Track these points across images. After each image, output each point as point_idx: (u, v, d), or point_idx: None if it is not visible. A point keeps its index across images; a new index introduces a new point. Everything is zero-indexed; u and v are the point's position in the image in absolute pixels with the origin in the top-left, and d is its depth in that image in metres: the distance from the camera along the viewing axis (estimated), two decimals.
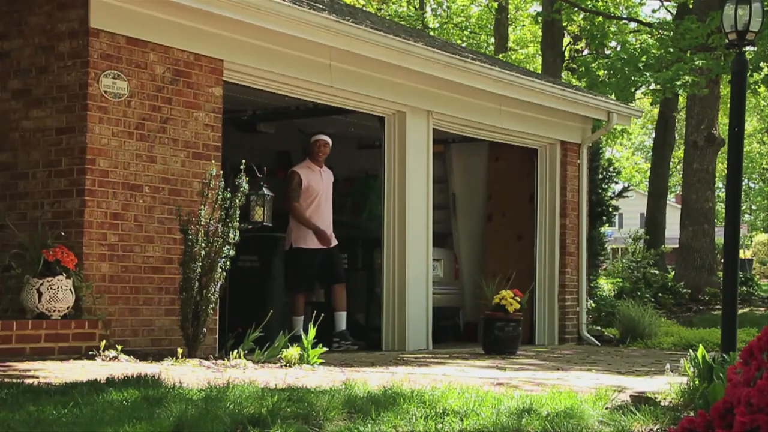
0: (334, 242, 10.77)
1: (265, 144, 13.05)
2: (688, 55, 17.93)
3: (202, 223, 7.94)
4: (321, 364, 7.70)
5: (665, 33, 19.98)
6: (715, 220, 22.54)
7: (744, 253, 40.70)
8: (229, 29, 8.90)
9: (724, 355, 6.33)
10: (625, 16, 27.28)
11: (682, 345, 12.40)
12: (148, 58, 8.36)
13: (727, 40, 7.75)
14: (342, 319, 10.55)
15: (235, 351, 7.66)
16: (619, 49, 22.04)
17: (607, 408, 5.10)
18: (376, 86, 10.64)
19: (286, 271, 10.65)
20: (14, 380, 5.53)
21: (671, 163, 33.31)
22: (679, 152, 32.51)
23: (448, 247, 13.55)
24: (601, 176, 15.71)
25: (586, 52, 28.33)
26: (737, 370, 3.47)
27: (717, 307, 18.64)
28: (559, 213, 13.39)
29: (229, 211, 8.07)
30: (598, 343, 13.26)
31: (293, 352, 7.64)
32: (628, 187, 24.50)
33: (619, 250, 31.48)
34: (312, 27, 9.26)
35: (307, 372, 7.10)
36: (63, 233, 7.83)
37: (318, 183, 10.69)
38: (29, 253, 7.60)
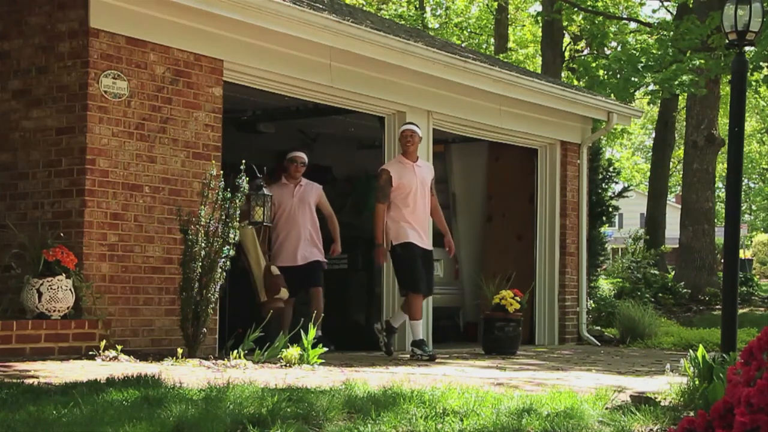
0: (430, 246, 9.86)
1: (265, 144, 13.05)
2: (687, 55, 17.92)
3: (202, 223, 7.95)
4: (321, 364, 7.70)
5: (665, 33, 19.97)
6: (715, 220, 22.54)
7: (744, 253, 40.68)
8: (229, 29, 8.90)
9: (724, 355, 6.33)
10: (625, 16, 27.29)
11: (682, 345, 12.40)
12: (148, 58, 8.36)
13: (727, 40, 7.75)
14: (417, 328, 9.61)
15: (235, 351, 7.67)
16: (619, 49, 22.04)
17: (607, 408, 5.10)
18: (376, 86, 10.63)
19: (396, 273, 9.97)
20: (14, 380, 5.53)
21: (671, 163, 33.29)
22: (679, 152, 32.49)
23: None
24: (601, 176, 15.71)
25: (586, 52, 28.32)
26: (737, 370, 3.47)
27: (717, 307, 18.64)
28: (559, 213, 13.39)
29: (229, 211, 8.08)
30: (598, 343, 13.27)
31: (293, 352, 7.65)
32: (628, 187, 24.51)
33: (619, 250, 31.46)
34: (312, 27, 9.26)
35: (307, 372, 7.10)
36: (63, 233, 7.83)
37: (410, 179, 9.65)
38: (29, 253, 7.60)
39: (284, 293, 9.74)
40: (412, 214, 9.60)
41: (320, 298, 10.11)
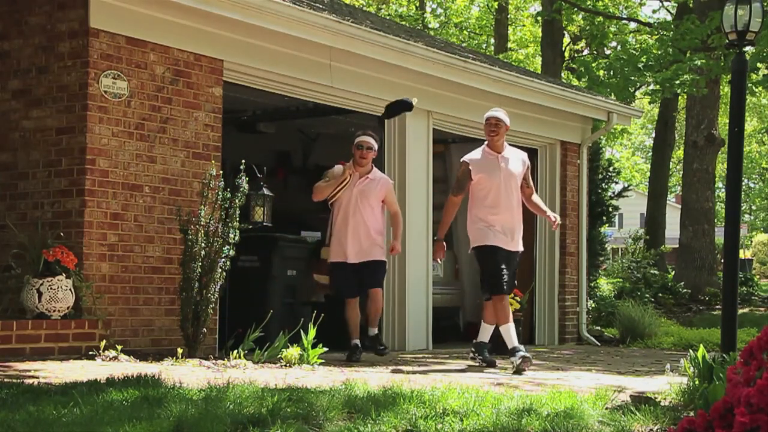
0: (518, 247, 8.60)
1: (265, 144, 13.04)
2: (687, 55, 17.93)
3: (202, 223, 7.96)
4: (321, 364, 7.70)
5: (665, 33, 19.98)
6: (715, 220, 22.54)
7: (744, 253, 40.71)
8: (229, 29, 8.90)
9: (724, 355, 6.33)
10: (625, 16, 27.29)
11: (682, 345, 12.40)
12: (148, 58, 8.36)
13: (727, 40, 7.76)
14: (485, 332, 8.70)
15: (235, 351, 7.67)
16: (618, 49, 22.04)
17: (607, 408, 5.09)
18: (376, 86, 10.63)
19: (480, 276, 8.92)
20: (14, 380, 5.53)
21: (671, 163, 33.31)
22: (679, 152, 32.51)
23: (448, 247, 13.52)
24: (601, 176, 15.71)
25: (586, 52, 28.32)
26: (737, 370, 3.47)
27: (717, 307, 18.64)
28: (559, 213, 13.37)
29: (229, 211, 8.08)
30: (598, 343, 13.27)
31: (293, 352, 7.65)
32: (628, 187, 24.51)
33: (619, 250, 31.47)
34: (312, 27, 9.26)
35: (307, 372, 7.10)
36: (63, 233, 7.83)
37: (493, 171, 8.47)
38: (29, 253, 7.60)
39: (321, 279, 9.53)
40: (494, 212, 8.43)
41: (379, 299, 9.31)
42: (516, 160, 8.64)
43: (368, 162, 9.20)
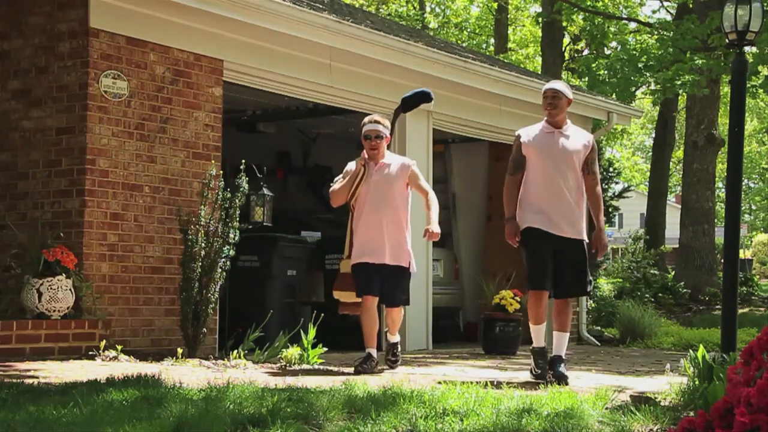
0: (574, 235, 7.35)
1: (265, 144, 13.04)
2: (687, 55, 17.93)
3: (202, 223, 7.96)
4: (321, 364, 7.70)
5: (665, 33, 19.98)
6: (715, 220, 22.54)
7: (744, 253, 40.70)
8: (229, 29, 8.90)
9: (724, 355, 6.32)
10: (625, 16, 27.28)
11: (682, 345, 12.41)
12: (148, 58, 8.36)
13: (727, 40, 7.76)
14: (535, 334, 7.30)
15: (235, 351, 7.67)
16: (619, 49, 22.04)
17: (607, 408, 5.09)
18: (376, 86, 10.63)
19: None
20: (14, 380, 5.54)
21: (671, 163, 33.30)
22: (679, 152, 32.50)
23: (448, 247, 13.54)
24: (601, 176, 15.70)
25: (586, 52, 28.32)
26: (737, 370, 3.47)
27: (717, 307, 18.63)
28: None
29: (229, 211, 8.08)
30: (598, 343, 13.27)
31: (293, 352, 7.64)
32: (629, 187, 24.52)
33: (619, 250, 31.47)
34: (312, 27, 9.26)
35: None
36: (63, 233, 7.83)
37: (547, 147, 7.33)
38: (29, 253, 7.61)
39: (343, 297, 8.00)
40: (542, 191, 7.28)
41: (395, 314, 7.98)
42: (577, 139, 7.53)
43: (380, 152, 7.97)
